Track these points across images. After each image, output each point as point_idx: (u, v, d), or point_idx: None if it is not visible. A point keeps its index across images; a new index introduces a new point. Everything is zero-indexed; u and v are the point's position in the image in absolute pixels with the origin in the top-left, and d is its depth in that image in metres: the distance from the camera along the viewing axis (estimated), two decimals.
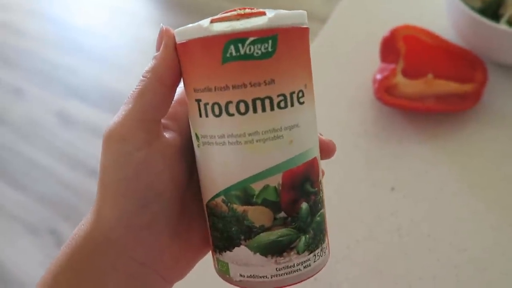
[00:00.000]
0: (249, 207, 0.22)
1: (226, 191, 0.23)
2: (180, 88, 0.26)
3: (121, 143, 0.22)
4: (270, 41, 0.21)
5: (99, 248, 0.23)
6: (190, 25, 0.22)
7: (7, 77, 1.77)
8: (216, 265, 0.25)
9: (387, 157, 0.46)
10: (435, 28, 0.50)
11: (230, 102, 0.21)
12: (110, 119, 0.23)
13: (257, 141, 0.22)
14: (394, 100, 0.46)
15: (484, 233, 0.40)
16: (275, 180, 0.22)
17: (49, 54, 1.82)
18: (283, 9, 0.22)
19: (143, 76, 0.23)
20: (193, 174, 0.26)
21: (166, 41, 0.23)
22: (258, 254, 0.23)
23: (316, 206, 0.24)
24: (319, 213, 0.24)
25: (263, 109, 0.21)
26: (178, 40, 0.23)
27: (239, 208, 0.22)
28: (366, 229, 0.41)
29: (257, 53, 0.21)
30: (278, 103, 0.22)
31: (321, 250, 0.24)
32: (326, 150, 0.26)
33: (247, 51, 0.21)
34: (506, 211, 0.41)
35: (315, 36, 0.57)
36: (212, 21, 0.21)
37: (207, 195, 0.24)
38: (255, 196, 0.22)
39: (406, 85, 0.46)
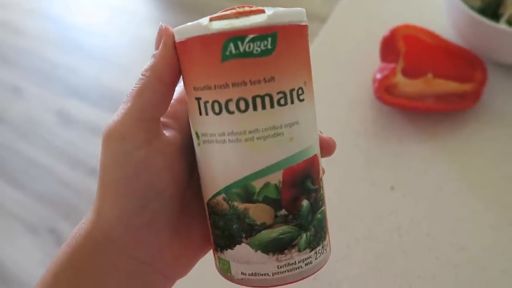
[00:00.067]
0: (250, 204, 0.22)
1: (226, 189, 0.23)
2: (180, 87, 0.26)
3: (121, 142, 0.22)
4: (269, 39, 0.21)
5: (100, 247, 0.23)
6: (189, 23, 0.22)
7: (6, 76, 1.77)
8: (217, 264, 0.25)
9: (387, 156, 0.46)
10: (435, 27, 0.50)
11: (230, 100, 0.21)
12: (110, 118, 0.23)
13: (257, 138, 0.22)
14: (394, 100, 0.46)
15: (483, 232, 0.40)
16: (276, 178, 0.22)
17: (49, 53, 1.82)
18: (283, 7, 0.22)
19: (142, 75, 0.23)
20: (193, 173, 0.26)
21: (165, 39, 0.23)
22: (259, 251, 0.23)
23: (317, 203, 0.24)
24: (320, 211, 0.24)
25: (263, 107, 0.21)
26: (178, 38, 0.23)
27: (240, 206, 0.22)
28: (365, 228, 0.41)
29: (256, 50, 0.21)
30: (278, 101, 0.22)
31: (322, 247, 0.24)
32: (327, 147, 0.26)
33: (247, 49, 0.21)
34: (506, 210, 0.41)
35: (315, 36, 0.57)
36: (211, 19, 0.21)
37: (208, 193, 0.24)
38: (256, 194, 0.22)
39: (406, 85, 0.46)
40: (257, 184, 0.22)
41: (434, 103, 0.46)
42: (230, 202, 0.23)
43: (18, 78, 1.75)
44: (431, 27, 0.50)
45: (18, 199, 1.34)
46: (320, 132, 0.25)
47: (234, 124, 0.22)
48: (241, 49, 0.21)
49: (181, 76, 0.24)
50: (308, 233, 0.23)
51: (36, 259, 1.20)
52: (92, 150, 1.42)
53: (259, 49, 0.21)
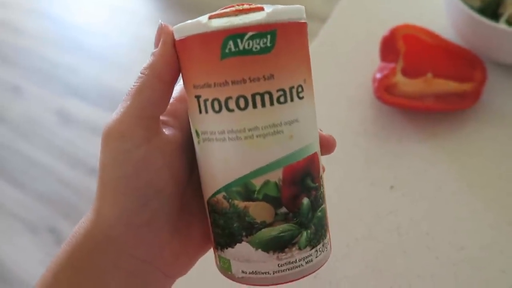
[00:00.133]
0: (250, 203, 0.22)
1: (227, 187, 0.23)
2: (180, 85, 0.26)
3: (120, 141, 0.22)
4: (268, 36, 0.21)
5: (100, 246, 0.23)
6: (189, 21, 0.22)
7: (6, 75, 1.77)
8: (218, 262, 0.25)
9: (387, 156, 0.46)
10: (434, 27, 0.50)
11: (230, 97, 0.21)
12: (110, 118, 0.23)
13: (257, 136, 0.22)
14: (393, 99, 0.46)
15: (482, 231, 0.40)
16: (276, 176, 0.22)
17: (49, 53, 1.81)
18: (282, 5, 0.22)
19: (141, 73, 0.23)
20: (193, 171, 0.26)
21: (164, 37, 0.23)
22: (259, 250, 0.23)
23: (317, 201, 0.24)
24: (320, 208, 0.24)
25: (263, 104, 0.21)
26: (177, 36, 0.23)
27: (240, 204, 0.22)
28: (365, 228, 0.41)
29: (256, 48, 0.21)
30: (278, 98, 0.22)
31: (323, 245, 0.24)
32: (326, 145, 0.26)
33: (246, 47, 0.21)
34: (505, 210, 0.41)
35: (315, 36, 0.57)
36: (210, 17, 0.21)
37: (208, 191, 0.24)
38: (256, 192, 0.22)
39: (406, 84, 0.46)
40: (257, 182, 0.22)
41: (433, 102, 0.46)
42: (230, 200, 0.23)
43: (18, 78, 1.74)
44: (431, 27, 0.50)
45: (18, 199, 1.34)
46: (320, 130, 0.25)
47: (234, 122, 0.22)
48: (241, 47, 0.21)
49: (181, 74, 0.24)
50: (309, 231, 0.23)
51: (36, 259, 1.20)
52: (92, 149, 1.42)
53: (258, 47, 0.21)
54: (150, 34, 1.74)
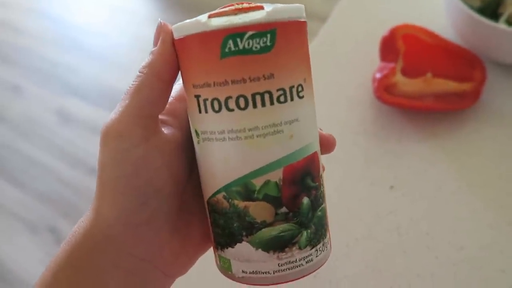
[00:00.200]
0: (251, 202, 0.22)
1: (227, 187, 0.23)
2: (178, 84, 0.26)
3: (119, 140, 0.22)
4: (268, 35, 0.21)
5: (99, 246, 0.23)
6: (188, 20, 0.22)
7: (6, 75, 1.77)
8: (218, 262, 0.25)
9: (386, 156, 0.46)
10: (434, 27, 0.50)
11: (230, 97, 0.21)
12: (108, 117, 0.23)
13: (257, 136, 0.22)
14: (393, 99, 0.46)
15: (482, 231, 0.40)
16: (276, 175, 0.22)
17: (48, 52, 1.81)
18: (282, 4, 0.22)
19: (140, 72, 0.23)
20: (192, 170, 0.26)
21: (163, 36, 0.23)
22: (260, 250, 0.23)
23: (317, 201, 0.24)
24: (320, 208, 0.24)
25: (263, 104, 0.21)
26: (176, 36, 0.23)
27: (241, 204, 0.22)
28: (365, 228, 0.41)
29: (255, 47, 0.21)
30: (278, 98, 0.22)
31: (323, 245, 0.24)
32: (326, 144, 0.26)
33: (246, 46, 0.21)
34: (505, 210, 0.41)
35: (315, 35, 0.57)
36: (210, 16, 0.21)
37: (208, 191, 0.24)
38: (256, 192, 0.22)
39: (405, 84, 0.46)
40: (257, 182, 0.22)
41: (433, 102, 0.46)
42: (230, 200, 0.23)
43: (18, 77, 1.74)
44: (431, 27, 0.50)
45: (18, 198, 1.34)
46: (320, 129, 0.25)
47: (234, 121, 0.22)
48: (240, 46, 0.21)
49: (180, 74, 0.24)
50: (309, 231, 0.23)
51: (36, 258, 1.20)
52: (92, 149, 1.42)
53: (258, 46, 0.21)
54: (150, 34, 1.73)
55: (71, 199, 1.31)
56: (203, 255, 0.27)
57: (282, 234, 0.23)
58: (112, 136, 0.22)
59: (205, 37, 0.21)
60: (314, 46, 0.55)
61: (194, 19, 0.22)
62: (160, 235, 0.24)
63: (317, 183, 0.24)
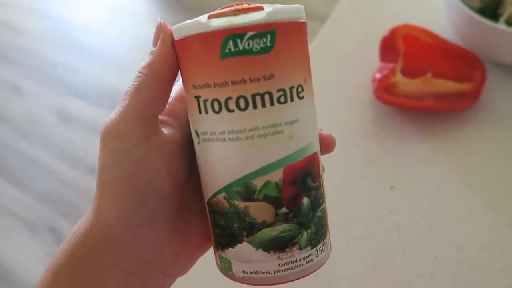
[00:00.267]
0: (251, 203, 0.22)
1: (227, 188, 0.23)
2: (178, 85, 0.26)
3: (118, 140, 0.22)
4: (268, 36, 0.21)
5: (99, 246, 0.23)
6: (188, 21, 0.22)
7: (6, 75, 1.77)
8: (218, 262, 0.25)
9: (386, 156, 0.46)
10: (434, 27, 0.50)
11: (230, 98, 0.21)
12: (108, 117, 0.23)
13: (257, 136, 0.22)
14: (393, 99, 0.46)
15: (482, 231, 0.40)
16: (276, 176, 0.22)
17: (48, 52, 1.82)
18: (282, 5, 0.22)
19: (139, 72, 0.23)
20: (192, 171, 0.26)
21: (163, 36, 0.23)
22: (260, 250, 0.23)
23: (317, 201, 0.24)
24: (320, 208, 0.24)
25: (263, 105, 0.21)
26: (176, 36, 0.23)
27: (241, 204, 0.22)
28: (365, 227, 0.41)
29: (256, 48, 0.21)
30: (278, 98, 0.22)
31: (323, 245, 0.24)
32: (326, 144, 0.26)
33: (246, 46, 0.21)
34: (504, 210, 0.41)
35: (315, 35, 0.57)
36: (210, 17, 0.21)
37: (208, 192, 0.24)
38: (256, 192, 0.22)
39: (405, 84, 0.46)
40: (258, 183, 0.22)
41: (433, 102, 0.46)
42: (230, 200, 0.23)
43: (18, 77, 1.75)
44: (431, 27, 0.50)
45: (18, 198, 1.34)
46: (320, 130, 0.26)
47: (234, 122, 0.22)
48: (240, 47, 0.21)
49: (180, 75, 0.24)
50: (309, 231, 0.23)
51: (36, 258, 1.20)
52: (92, 149, 1.42)
53: (258, 47, 0.21)
54: (150, 34, 1.73)
55: (71, 199, 1.31)
56: (202, 255, 0.27)
57: (282, 234, 0.23)
58: (112, 137, 0.22)
59: (205, 37, 0.21)
60: (314, 46, 0.56)
61: (194, 19, 0.22)
62: (160, 236, 0.24)
63: (317, 184, 0.24)
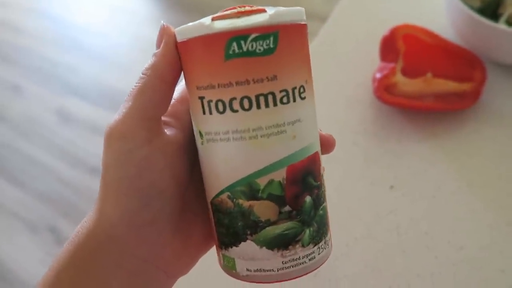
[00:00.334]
0: (255, 202, 0.23)
1: (231, 187, 0.23)
2: (180, 86, 0.26)
3: (122, 141, 0.22)
4: (271, 38, 0.21)
5: (102, 246, 0.23)
6: (191, 23, 0.22)
7: (6, 74, 1.77)
8: (222, 261, 0.25)
9: (386, 156, 0.46)
10: (434, 27, 0.50)
11: (234, 98, 0.22)
12: (110, 118, 0.23)
13: (261, 136, 0.22)
14: (393, 99, 0.46)
15: (482, 231, 0.40)
16: (280, 175, 0.22)
17: (48, 52, 1.82)
18: (282, 7, 0.23)
19: (142, 74, 0.23)
20: (194, 171, 0.26)
21: (166, 38, 0.23)
22: (264, 248, 0.23)
23: (319, 199, 0.24)
24: (321, 207, 0.24)
25: (267, 105, 0.22)
26: (179, 39, 0.23)
27: (245, 203, 0.23)
28: (364, 227, 0.41)
29: (259, 49, 0.21)
30: (281, 99, 0.22)
31: (325, 242, 0.25)
32: (326, 144, 0.26)
33: (250, 48, 0.21)
34: (504, 210, 0.41)
35: (315, 35, 0.57)
36: (213, 19, 0.22)
37: (212, 192, 0.24)
38: (260, 191, 0.22)
39: (406, 84, 0.47)
40: (262, 182, 0.22)
41: (433, 102, 0.46)
42: (234, 200, 0.23)
43: (18, 77, 1.75)
44: (431, 27, 0.50)
45: (18, 198, 1.34)
46: (320, 130, 0.26)
47: (239, 122, 0.22)
48: (244, 48, 0.21)
49: (183, 76, 0.24)
50: (311, 229, 0.24)
51: (36, 258, 1.20)
52: (92, 149, 1.42)
53: (261, 48, 0.21)
54: (150, 34, 1.74)
55: (71, 199, 1.31)
56: (204, 255, 0.27)
57: (286, 232, 0.23)
58: (115, 138, 0.22)
59: (209, 39, 0.21)
60: (314, 46, 0.56)
61: (197, 22, 0.22)
62: (163, 236, 0.24)
63: (318, 182, 0.24)
